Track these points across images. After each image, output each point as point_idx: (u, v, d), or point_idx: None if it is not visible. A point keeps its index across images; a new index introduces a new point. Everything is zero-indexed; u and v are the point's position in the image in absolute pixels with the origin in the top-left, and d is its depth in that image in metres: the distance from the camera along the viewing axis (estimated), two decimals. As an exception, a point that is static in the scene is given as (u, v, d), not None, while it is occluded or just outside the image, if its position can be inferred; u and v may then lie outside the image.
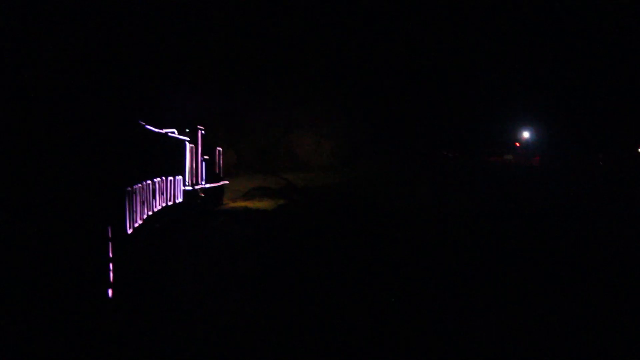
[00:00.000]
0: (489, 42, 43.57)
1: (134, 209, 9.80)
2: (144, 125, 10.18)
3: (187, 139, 15.17)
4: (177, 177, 14.12)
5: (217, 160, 17.47)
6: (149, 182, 10.82)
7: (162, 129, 12.32)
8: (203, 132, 16.11)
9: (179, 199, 14.24)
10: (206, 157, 16.26)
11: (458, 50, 41.67)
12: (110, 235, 8.03)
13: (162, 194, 12.27)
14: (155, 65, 21.76)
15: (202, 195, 16.19)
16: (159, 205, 11.98)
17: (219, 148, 17.68)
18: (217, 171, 17.47)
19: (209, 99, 25.86)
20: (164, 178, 12.43)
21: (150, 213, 10.92)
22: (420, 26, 37.72)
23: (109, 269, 7.88)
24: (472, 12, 40.54)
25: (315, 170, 31.40)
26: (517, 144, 58.80)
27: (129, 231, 9.48)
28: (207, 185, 16.48)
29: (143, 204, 10.29)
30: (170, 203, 13.22)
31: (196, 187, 15.74)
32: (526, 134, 57.73)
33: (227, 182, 18.21)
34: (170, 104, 20.17)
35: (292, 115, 33.77)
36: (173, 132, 14.00)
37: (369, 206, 17.45)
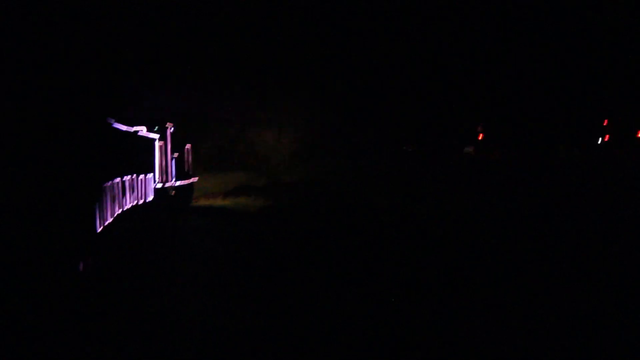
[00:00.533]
0: (450, 30, 43.74)
1: (104, 207, 9.76)
2: (111, 123, 10.11)
3: (157, 136, 15.06)
4: (147, 175, 14.02)
5: (186, 158, 17.39)
6: (118, 180, 10.76)
7: (131, 127, 12.22)
8: (172, 129, 16.01)
9: (150, 197, 14.15)
10: (176, 154, 16.17)
11: (417, 40, 41.73)
12: (78, 232, 8.02)
13: (133, 191, 12.20)
14: (120, 62, 21.48)
15: (173, 193, 16.11)
16: (130, 203, 11.92)
17: (187, 145, 17.59)
18: (186, 169, 17.39)
19: (173, 96, 25.66)
20: (134, 176, 12.36)
21: (120, 211, 10.86)
22: (377, 17, 37.89)
23: (79, 267, 7.88)
24: (429, 2, 40.90)
25: (274, 167, 31.06)
26: (480, 137, 57.70)
27: (99, 229, 9.44)
28: (178, 183, 16.40)
29: (113, 201, 10.24)
30: (141, 201, 13.14)
31: (166, 184, 15.65)
32: (486, 127, 56.83)
33: (196, 179, 18.15)
34: (137, 101, 19.94)
35: (249, 111, 33.42)
36: (142, 130, 13.88)
37: (337, 206, 17.60)
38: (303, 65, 35.45)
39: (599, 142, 53.15)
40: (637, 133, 50.02)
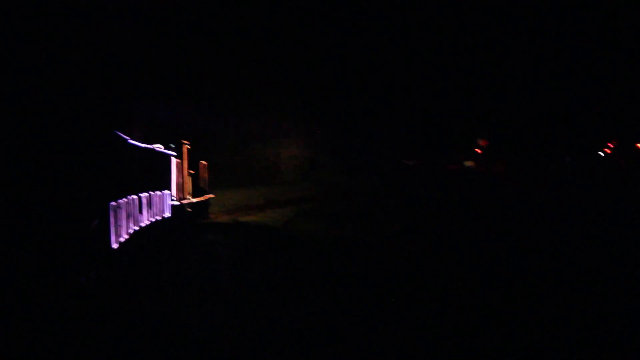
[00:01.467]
0: (446, 44, 43.42)
1: (119, 224, 9.82)
2: (127, 140, 10.24)
3: (174, 153, 15.24)
4: (164, 192, 14.15)
5: (201, 175, 17.56)
6: (134, 196, 10.85)
7: (149, 144, 12.39)
8: (188, 147, 16.20)
9: (167, 214, 14.26)
10: (191, 171, 16.33)
11: (418, 53, 41.52)
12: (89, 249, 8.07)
13: (150, 208, 12.29)
14: (137, 80, 21.97)
15: (189, 209, 16.22)
16: (147, 220, 12.00)
17: (203, 162, 17.77)
18: (202, 185, 17.55)
19: (190, 114, 26.06)
20: (151, 193, 12.46)
21: (137, 228, 10.93)
22: (373, 31, 37.93)
23: (80, 280, 7.90)
24: (422, 9, 40.77)
25: (275, 185, 30.64)
26: (479, 150, 55.84)
27: (114, 246, 9.49)
28: (194, 200, 16.52)
29: (129, 218, 10.31)
30: (158, 218, 13.23)
31: (183, 201, 15.77)
32: (488, 139, 55.24)
33: (212, 195, 18.29)
34: (154, 119, 20.31)
35: (249, 129, 33.35)
36: (159, 147, 14.08)
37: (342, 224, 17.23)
38: (305, 82, 35.43)
39: (602, 154, 52.29)
40: (636, 144, 49.72)
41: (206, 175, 17.79)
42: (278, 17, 33.08)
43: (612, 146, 51.65)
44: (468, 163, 51.97)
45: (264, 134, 34.16)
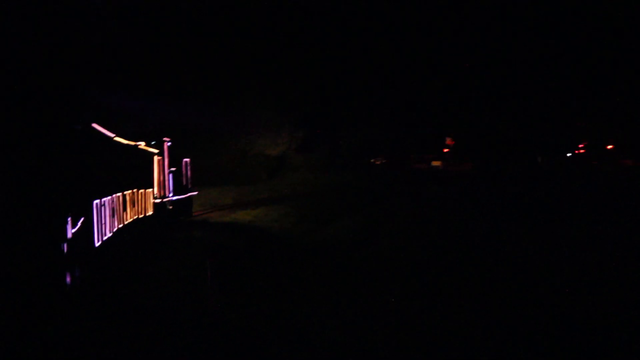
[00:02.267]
0: (416, 44, 43.55)
1: (103, 222, 9.69)
2: (112, 137, 10.10)
3: (155, 150, 15.05)
4: (147, 190, 13.98)
5: (184, 172, 17.37)
6: (119, 194, 10.71)
7: (131, 141, 12.22)
8: (169, 143, 16.01)
9: (150, 212, 14.09)
10: (173, 168, 16.14)
11: (384, 51, 41.50)
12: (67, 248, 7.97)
13: (133, 206, 12.14)
14: (119, 77, 21.62)
15: (170, 207, 16.05)
16: (130, 217, 11.85)
17: (186, 159, 17.57)
18: (184, 183, 17.35)
19: (172, 111, 25.69)
20: (135, 190, 12.31)
21: (120, 226, 10.79)
22: (343, 31, 37.88)
23: (66, 279, 7.81)
24: (392, 9, 40.96)
25: (242, 183, 29.59)
26: (446, 150, 55.48)
27: (97, 244, 9.37)
28: (175, 197, 16.35)
29: (113, 217, 10.18)
30: (141, 216, 13.07)
31: (164, 199, 15.60)
32: (455, 138, 53.83)
33: (195, 192, 18.10)
34: (136, 116, 19.97)
35: (215, 125, 32.49)
36: (140, 144, 13.88)
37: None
38: (272, 80, 34.63)
39: (569, 154, 53.50)
40: (606, 146, 51.42)
41: (189, 172, 17.62)
42: (258, 16, 32.82)
43: (583, 147, 53.01)
44: (435, 163, 51.42)
45: (232, 131, 33.16)
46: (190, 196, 17.74)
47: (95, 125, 8.64)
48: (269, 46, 33.43)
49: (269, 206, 21.04)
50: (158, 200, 14.95)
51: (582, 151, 53.48)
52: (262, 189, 27.92)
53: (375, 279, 9.93)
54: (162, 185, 15.58)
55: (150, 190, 14.44)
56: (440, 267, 10.70)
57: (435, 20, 44.09)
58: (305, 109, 37.83)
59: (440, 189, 26.53)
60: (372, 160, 48.67)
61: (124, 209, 11.13)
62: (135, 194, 12.43)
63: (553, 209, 18.17)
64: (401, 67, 43.76)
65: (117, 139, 10.58)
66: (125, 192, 11.26)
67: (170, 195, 16.11)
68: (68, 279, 8.03)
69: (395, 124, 47.54)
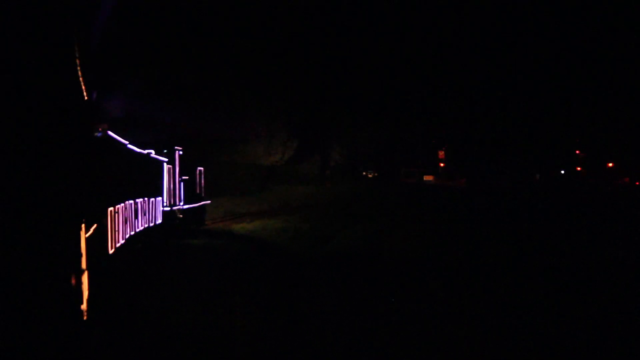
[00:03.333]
0: (410, 56, 43.48)
1: (116, 229, 9.68)
2: (126, 144, 10.13)
3: (165, 159, 15.07)
4: (157, 198, 13.98)
5: (197, 180, 17.36)
6: (131, 202, 10.71)
7: (143, 149, 12.25)
8: (181, 152, 16.03)
9: (159, 220, 14.08)
10: (185, 177, 16.15)
11: (378, 64, 41.49)
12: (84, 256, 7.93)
13: (145, 214, 12.14)
14: (134, 84, 21.78)
15: (181, 216, 16.03)
16: (141, 226, 11.84)
17: (200, 168, 17.58)
18: (197, 191, 17.35)
19: (188, 119, 25.74)
20: (146, 199, 12.32)
21: (132, 233, 10.78)
22: (338, 44, 37.97)
23: (82, 289, 7.77)
24: (385, 19, 41.00)
25: (232, 195, 28.89)
26: (441, 164, 53.68)
27: (111, 251, 9.35)
28: (186, 206, 16.33)
29: (126, 223, 10.17)
30: (151, 224, 13.06)
31: (174, 207, 15.59)
32: (449, 154, 52.73)
33: (208, 202, 18.08)
34: (148, 124, 20.05)
35: (216, 132, 32.00)
36: (151, 152, 13.91)
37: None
38: (262, 94, 34.38)
39: (563, 172, 53.25)
40: (607, 164, 51.21)
41: (202, 181, 17.63)
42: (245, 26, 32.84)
43: (581, 165, 52.85)
44: (427, 177, 50.52)
45: (229, 139, 32.62)
46: (203, 205, 17.74)
47: (110, 133, 8.67)
48: (266, 54, 33.42)
49: (263, 219, 20.71)
50: (167, 209, 14.94)
51: (579, 169, 53.33)
52: (253, 200, 26.98)
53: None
54: (172, 193, 15.59)
55: (160, 198, 14.45)
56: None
57: (431, 33, 44.19)
58: (299, 118, 37.54)
59: (433, 205, 26.48)
60: (363, 173, 48.12)
61: (136, 217, 11.12)
62: (146, 202, 12.43)
63: (541, 224, 18.38)
64: (395, 80, 43.73)
65: (130, 146, 10.60)
66: (137, 200, 11.27)
67: (181, 204, 16.10)
68: (80, 285, 8.00)
69: (388, 137, 47.18)
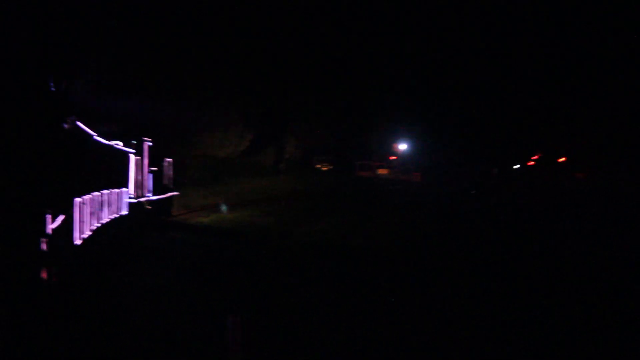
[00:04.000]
0: (366, 47, 43.56)
1: (83, 220, 9.66)
2: (93, 136, 10.08)
3: (133, 150, 14.97)
4: (122, 189, 13.90)
5: (165, 172, 17.30)
6: (97, 193, 10.68)
7: (109, 140, 12.18)
8: (150, 143, 15.94)
9: (124, 212, 14.01)
10: (154, 168, 16.08)
11: (334, 55, 41.38)
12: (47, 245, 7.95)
13: (110, 206, 12.09)
14: (100, 75, 21.34)
15: (149, 207, 15.97)
16: (107, 217, 11.80)
17: (168, 159, 17.51)
18: (165, 182, 17.29)
19: (156, 111, 25.33)
20: (112, 190, 12.26)
21: (98, 225, 10.76)
22: (295, 36, 37.82)
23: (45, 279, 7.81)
24: (344, 13, 41.15)
25: (182, 188, 27.77)
26: (394, 157, 52.56)
27: (77, 242, 9.34)
28: (154, 197, 16.27)
29: (92, 215, 10.15)
30: (116, 215, 13.00)
31: (141, 199, 15.51)
32: (404, 147, 51.92)
33: (176, 193, 18.04)
34: (116, 115, 19.73)
35: (175, 123, 31.43)
36: (118, 144, 13.82)
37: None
38: (217, 82, 33.62)
39: (517, 166, 54.50)
40: (557, 159, 52.98)
41: (171, 172, 17.56)
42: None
43: (535, 160, 54.23)
44: (382, 171, 49.91)
45: (185, 130, 31.69)
46: (171, 196, 17.72)
47: (79, 124, 8.65)
48: (223, 45, 32.81)
49: (220, 213, 20.42)
50: (134, 200, 14.87)
51: (533, 163, 54.47)
52: (207, 193, 26.03)
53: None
54: (140, 185, 15.50)
55: (126, 190, 14.37)
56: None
57: (386, 26, 44.22)
58: (255, 109, 36.80)
59: (388, 199, 26.90)
60: (317, 166, 47.53)
61: (101, 208, 11.09)
62: (112, 193, 12.38)
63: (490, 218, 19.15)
64: (350, 71, 43.36)
65: (97, 138, 10.55)
66: (103, 192, 11.23)
67: (149, 195, 16.03)
68: (45, 275, 8.01)
69: (343, 130, 46.54)
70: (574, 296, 9.07)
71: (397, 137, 52.38)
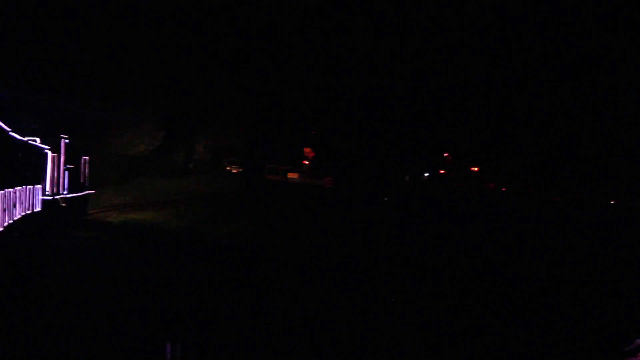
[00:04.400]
0: (281, 51, 44.27)
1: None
2: (8, 132, 10.12)
3: (49, 147, 14.80)
4: (36, 186, 13.74)
5: (82, 170, 17.11)
6: (10, 189, 10.66)
7: (24, 137, 12.10)
8: (67, 141, 15.78)
9: (37, 208, 13.84)
10: (70, 165, 15.92)
11: (245, 56, 41.79)
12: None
13: (22, 203, 12.00)
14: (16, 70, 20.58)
15: (64, 205, 15.79)
16: (19, 213, 11.72)
17: (85, 157, 17.33)
18: (82, 180, 17.10)
19: (74, 109, 24.64)
20: (25, 187, 12.17)
21: (11, 221, 10.73)
22: (204, 37, 38.04)
23: None
24: (259, 15, 41.73)
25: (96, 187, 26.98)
26: (306, 162, 52.19)
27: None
28: (69, 195, 16.09)
29: (4, 211, 10.15)
30: (29, 212, 12.87)
31: (57, 196, 15.33)
32: (315, 152, 51.56)
33: (93, 191, 17.84)
34: (33, 113, 19.15)
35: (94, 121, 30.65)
36: (34, 140, 13.66)
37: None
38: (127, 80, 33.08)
39: (427, 174, 57.43)
40: (470, 168, 56.51)
41: (87, 170, 17.38)
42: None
43: (447, 168, 57.18)
44: (292, 175, 49.25)
45: (97, 128, 30.73)
46: (87, 194, 17.52)
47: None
48: (138, 43, 32.28)
49: (129, 214, 20.19)
50: (49, 198, 14.70)
51: (445, 172, 57.13)
52: (116, 193, 25.23)
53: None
54: (56, 182, 15.31)
55: (39, 186, 14.20)
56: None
57: (298, 30, 44.64)
58: (166, 109, 36.31)
59: (298, 204, 27.70)
60: (227, 168, 46.90)
61: (14, 205, 11.05)
62: (25, 190, 12.29)
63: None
64: (262, 73, 43.38)
65: (13, 134, 10.56)
66: (16, 188, 11.19)
67: (65, 192, 15.87)
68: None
69: (253, 133, 46.17)
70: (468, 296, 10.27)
71: (309, 142, 51.73)
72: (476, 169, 55.83)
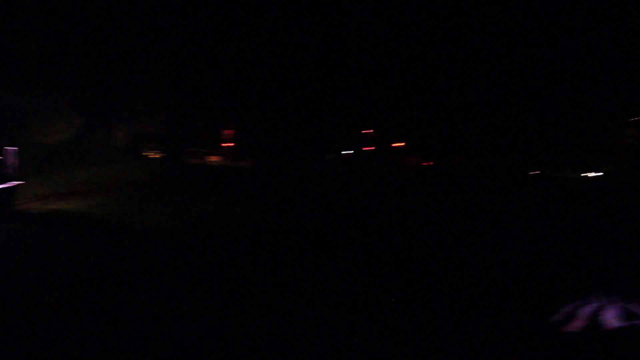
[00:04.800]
0: (190, 32, 43.82)
1: None
2: None
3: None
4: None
5: (8, 160, 16.23)
6: None
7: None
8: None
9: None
10: (-3, 156, 15.00)
11: (157, 39, 41.28)
12: None
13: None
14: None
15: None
16: None
17: (12, 147, 16.44)
18: (8, 171, 16.22)
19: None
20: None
21: None
22: (124, 21, 37.44)
23: None
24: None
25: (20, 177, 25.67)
26: (225, 144, 52.26)
27: None
28: (-8, 187, 15.17)
29: None
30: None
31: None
32: (235, 133, 51.73)
33: (21, 182, 16.91)
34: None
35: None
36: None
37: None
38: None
39: (346, 152, 57.07)
40: (391, 144, 56.57)
41: (15, 161, 16.53)
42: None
43: (371, 145, 56.62)
44: (212, 158, 49.04)
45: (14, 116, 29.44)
46: (14, 185, 16.63)
47: None
48: (51, 28, 31.13)
49: (52, 204, 19.31)
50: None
51: (372, 148, 56.62)
52: (35, 183, 23.76)
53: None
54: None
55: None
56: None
57: (207, 16, 43.91)
58: (84, 94, 35.28)
59: (222, 187, 27.39)
60: (147, 154, 45.71)
61: None
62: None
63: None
64: (180, 55, 42.72)
65: None
66: None
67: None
68: None
69: (171, 116, 45.27)
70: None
71: (229, 124, 50.99)
72: (402, 144, 55.92)
